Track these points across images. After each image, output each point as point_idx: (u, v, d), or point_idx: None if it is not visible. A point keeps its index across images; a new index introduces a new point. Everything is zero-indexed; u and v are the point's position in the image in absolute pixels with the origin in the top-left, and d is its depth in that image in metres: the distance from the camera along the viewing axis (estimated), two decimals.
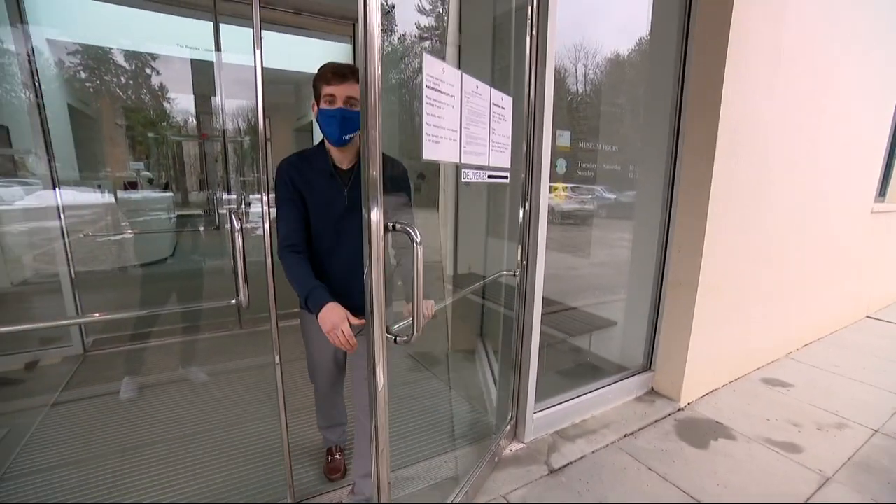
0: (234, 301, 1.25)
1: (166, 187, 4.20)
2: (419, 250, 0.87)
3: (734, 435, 2.27)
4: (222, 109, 3.62)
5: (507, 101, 1.69)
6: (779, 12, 2.40)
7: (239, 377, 2.71)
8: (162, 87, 5.15)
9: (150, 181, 4.53)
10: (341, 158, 1.35)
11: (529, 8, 1.76)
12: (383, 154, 0.95)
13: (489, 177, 1.75)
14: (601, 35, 2.46)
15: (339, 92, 1.24)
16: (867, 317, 4.41)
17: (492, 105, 1.60)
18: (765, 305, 2.99)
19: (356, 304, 1.11)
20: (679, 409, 2.51)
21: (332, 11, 3.47)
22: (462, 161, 1.50)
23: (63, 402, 2.36)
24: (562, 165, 2.22)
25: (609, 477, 1.91)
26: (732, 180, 2.42)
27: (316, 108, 1.30)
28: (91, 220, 3.88)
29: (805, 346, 3.57)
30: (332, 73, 1.24)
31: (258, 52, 1.21)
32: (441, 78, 1.29)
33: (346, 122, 1.26)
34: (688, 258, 2.46)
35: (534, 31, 1.78)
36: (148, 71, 5.12)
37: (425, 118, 1.25)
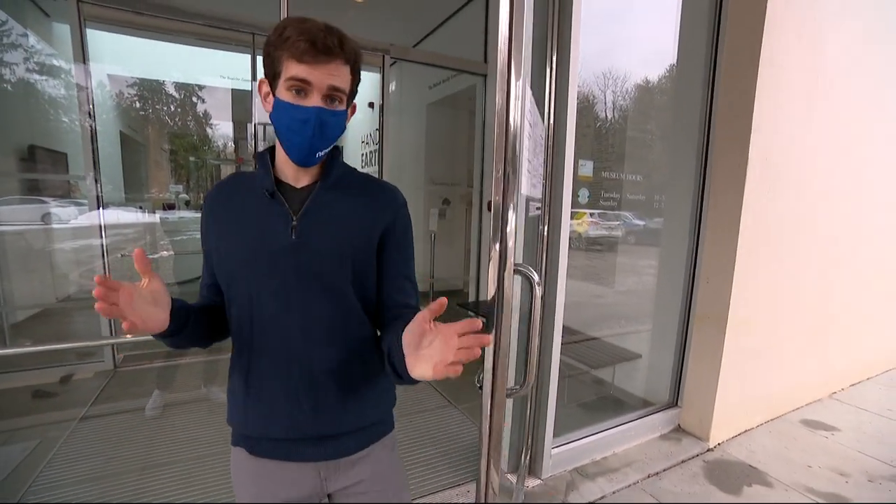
0: None
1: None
2: (538, 291, 0.81)
3: (770, 482, 2.12)
4: (254, 135, 3.80)
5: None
6: (815, 34, 2.34)
7: None
8: (205, 115, 5.48)
9: (187, 203, 4.76)
10: (296, 172, 0.82)
11: (549, 37, 1.79)
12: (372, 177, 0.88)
13: (537, 209, 1.78)
14: (628, 62, 2.47)
15: (319, 77, 0.72)
16: None
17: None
18: (803, 341, 2.81)
19: (310, 404, 0.80)
20: (708, 450, 2.37)
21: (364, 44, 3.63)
22: (528, 193, 1.52)
23: (91, 416, 2.45)
24: (584, 196, 2.19)
25: None
26: (766, 211, 2.33)
27: (269, 94, 0.77)
28: (133, 238, 4.11)
29: (852, 385, 3.33)
30: (309, 42, 0.69)
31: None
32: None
33: (324, 131, 0.75)
34: (716, 290, 2.36)
35: (553, 59, 1.80)
36: (194, 99, 5.47)
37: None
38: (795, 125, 2.37)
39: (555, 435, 2.03)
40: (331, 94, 0.74)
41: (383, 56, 3.57)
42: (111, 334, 3.02)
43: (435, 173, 5.15)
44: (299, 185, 0.82)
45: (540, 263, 1.92)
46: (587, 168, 2.22)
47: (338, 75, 0.73)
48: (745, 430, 2.59)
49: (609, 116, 2.59)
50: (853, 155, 2.77)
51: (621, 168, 2.51)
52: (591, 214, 2.64)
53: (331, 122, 0.75)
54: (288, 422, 0.80)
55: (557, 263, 1.90)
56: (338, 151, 0.83)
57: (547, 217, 1.88)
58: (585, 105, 2.26)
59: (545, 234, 1.89)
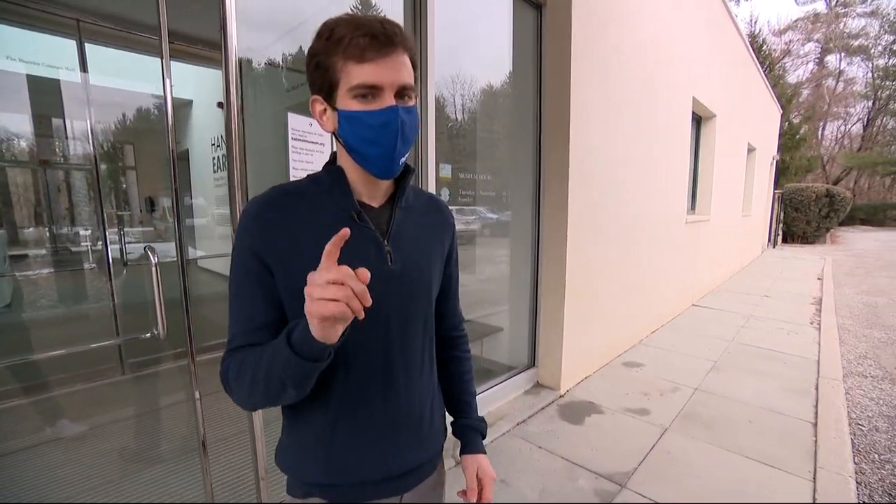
0: (148, 335, 1.27)
1: None
2: None
3: (602, 409, 2.76)
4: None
5: None
6: (604, 72, 3.09)
7: (125, 426, 2.48)
8: None
9: None
10: (372, 190, 0.74)
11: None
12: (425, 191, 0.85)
13: None
14: (472, 68, 2.83)
15: (388, 76, 0.64)
16: (693, 305, 5.54)
17: None
18: (618, 303, 3.65)
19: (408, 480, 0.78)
20: (560, 396, 2.95)
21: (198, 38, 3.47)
22: None
23: None
24: (445, 195, 2.54)
25: (507, 459, 2.20)
26: (584, 200, 2.99)
27: (325, 110, 0.69)
28: None
29: (652, 332, 4.39)
30: (368, 35, 0.61)
31: (168, 82, 1.31)
32: (308, 130, 1.52)
33: (405, 132, 0.67)
34: (555, 268, 2.95)
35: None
36: None
37: (291, 163, 1.48)
38: (597, 137, 3.10)
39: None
40: (401, 92, 0.65)
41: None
42: None
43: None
44: (377, 205, 0.74)
45: None
46: (446, 170, 2.57)
47: (404, 70, 0.65)
48: (586, 377, 3.28)
49: (460, 119, 2.98)
50: (635, 161, 3.70)
51: (474, 167, 2.93)
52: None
53: (409, 122, 0.67)
54: (382, 461, 0.74)
55: None
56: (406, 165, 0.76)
57: None
58: (438, 107, 2.58)
59: None
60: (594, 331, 3.34)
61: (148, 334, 1.27)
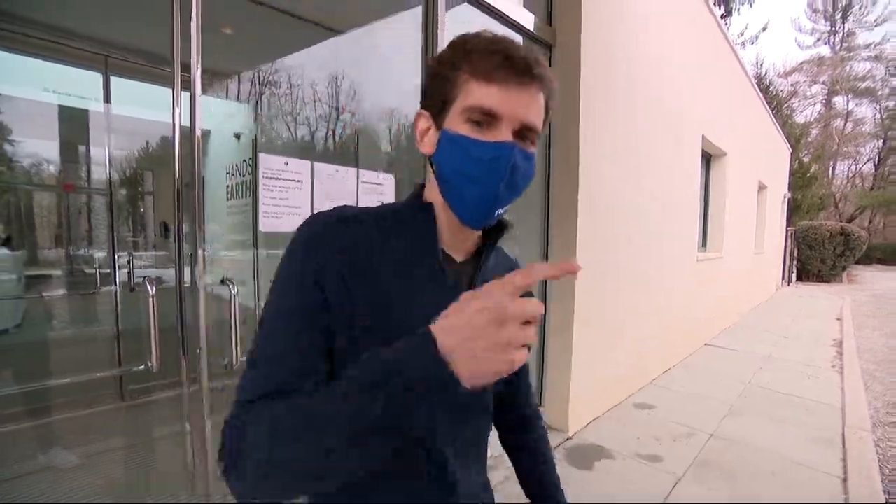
0: (143, 367, 1.24)
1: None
2: None
3: (612, 454, 2.63)
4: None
5: (385, 177, 2.00)
6: (615, 111, 3.12)
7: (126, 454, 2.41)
8: (15, 131, 4.63)
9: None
10: (458, 240, 0.63)
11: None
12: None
13: None
14: None
15: (511, 107, 0.53)
16: (705, 344, 5.38)
17: (361, 183, 1.92)
18: (628, 341, 3.55)
19: None
20: (567, 439, 2.82)
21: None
22: None
23: None
24: None
25: None
26: (593, 238, 2.96)
27: (429, 129, 0.59)
28: None
29: (664, 371, 4.24)
30: (503, 55, 0.52)
31: (177, 111, 1.34)
32: (283, 169, 1.59)
33: (514, 178, 0.56)
34: (563, 305, 2.89)
35: None
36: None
37: (262, 199, 1.55)
38: (608, 168, 3.10)
39: None
40: (523, 132, 0.55)
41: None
42: None
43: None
44: (460, 259, 0.62)
45: None
46: None
47: (534, 107, 0.54)
48: (595, 419, 3.15)
49: None
50: (645, 197, 3.69)
51: None
52: None
53: (522, 168, 0.55)
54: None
55: None
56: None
57: None
58: None
59: None
60: (603, 370, 3.23)
61: (142, 366, 1.25)
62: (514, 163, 0.54)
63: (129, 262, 3.48)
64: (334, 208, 0.58)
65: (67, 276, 3.44)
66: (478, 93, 0.52)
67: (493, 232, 0.64)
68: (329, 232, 0.55)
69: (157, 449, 2.60)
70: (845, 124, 30.10)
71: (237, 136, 4.79)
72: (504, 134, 0.53)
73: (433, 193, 0.60)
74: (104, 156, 3.47)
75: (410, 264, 0.57)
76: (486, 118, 0.53)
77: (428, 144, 0.58)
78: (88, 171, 3.61)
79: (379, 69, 3.34)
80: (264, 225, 1.54)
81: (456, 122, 0.54)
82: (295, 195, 1.63)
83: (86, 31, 3.02)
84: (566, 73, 2.82)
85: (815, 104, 31.28)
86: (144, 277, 1.37)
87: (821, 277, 14.69)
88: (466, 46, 0.54)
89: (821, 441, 2.84)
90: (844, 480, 2.38)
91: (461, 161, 0.54)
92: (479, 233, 0.64)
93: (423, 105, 0.59)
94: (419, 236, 0.59)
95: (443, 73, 0.55)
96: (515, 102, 0.52)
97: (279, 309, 0.53)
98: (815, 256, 14.48)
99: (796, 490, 2.27)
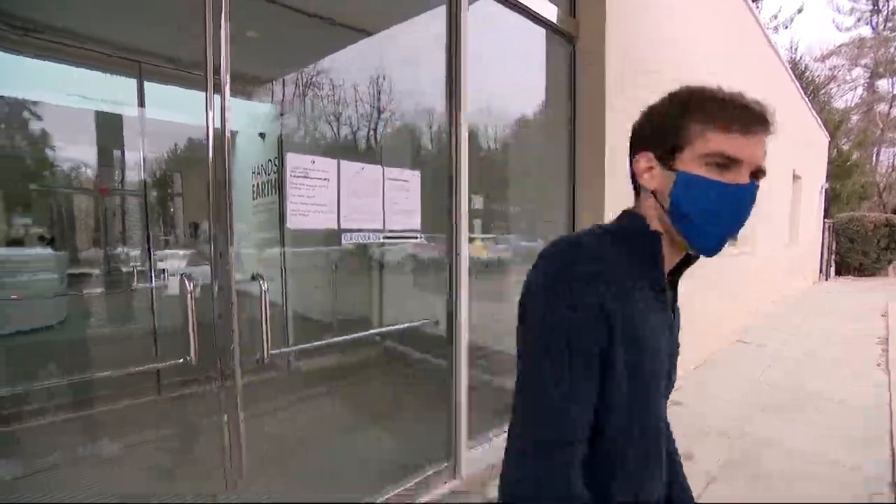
0: (182, 360, 1.29)
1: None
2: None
3: None
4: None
5: (411, 174, 2.01)
6: (642, 105, 3.04)
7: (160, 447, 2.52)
8: (55, 137, 4.83)
9: (44, 240, 4.15)
10: (668, 263, 0.68)
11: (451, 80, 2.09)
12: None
13: (385, 238, 2.04)
14: (505, 100, 2.88)
15: (751, 153, 0.60)
16: (738, 340, 5.21)
17: (387, 180, 1.92)
18: None
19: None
20: None
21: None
22: (342, 227, 1.78)
23: None
24: (478, 225, 2.54)
25: None
26: None
27: (652, 168, 0.65)
28: None
29: (694, 368, 4.14)
30: (741, 108, 0.60)
31: (210, 114, 1.37)
32: (309, 167, 1.62)
33: (748, 214, 0.64)
34: None
35: (453, 103, 2.10)
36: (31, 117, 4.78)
37: (289, 197, 1.58)
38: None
39: (469, 437, 2.25)
40: (756, 174, 0.62)
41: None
42: None
43: None
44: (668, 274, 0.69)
45: (449, 289, 2.18)
46: (480, 202, 2.57)
47: (763, 150, 0.62)
48: None
49: (492, 147, 3.00)
50: None
51: (506, 197, 2.92)
52: (485, 240, 3.01)
53: (752, 203, 0.63)
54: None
55: (460, 286, 2.17)
56: None
57: (454, 245, 2.15)
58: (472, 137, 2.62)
59: (452, 262, 2.16)
60: None
61: (181, 360, 1.30)
62: (752, 200, 0.62)
63: (162, 261, 3.62)
64: (562, 240, 0.65)
65: (105, 275, 3.60)
66: (719, 141, 0.58)
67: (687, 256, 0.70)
68: (585, 275, 0.58)
69: (196, 440, 2.71)
70: (890, 108, 28.48)
71: (262, 136, 4.92)
72: (744, 176, 0.60)
73: (655, 223, 0.66)
74: (138, 159, 3.61)
75: (644, 287, 0.63)
76: (728, 162, 0.59)
77: (654, 182, 0.64)
78: (122, 174, 3.77)
79: (404, 69, 3.36)
80: (292, 222, 1.58)
81: (694, 166, 0.60)
82: (321, 193, 1.67)
83: (120, 40, 3.14)
84: (590, 65, 2.77)
85: (855, 88, 29.70)
86: (182, 274, 1.42)
87: (862, 271, 13.98)
88: (695, 98, 0.61)
89: (866, 443, 2.71)
90: (893, 484, 2.28)
91: (705, 202, 0.60)
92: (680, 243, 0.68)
93: (644, 148, 0.66)
94: (645, 260, 0.65)
95: (673, 122, 0.62)
96: (754, 148, 0.60)
97: (547, 358, 0.57)
98: (857, 249, 13.79)
99: (839, 495, 2.18)
